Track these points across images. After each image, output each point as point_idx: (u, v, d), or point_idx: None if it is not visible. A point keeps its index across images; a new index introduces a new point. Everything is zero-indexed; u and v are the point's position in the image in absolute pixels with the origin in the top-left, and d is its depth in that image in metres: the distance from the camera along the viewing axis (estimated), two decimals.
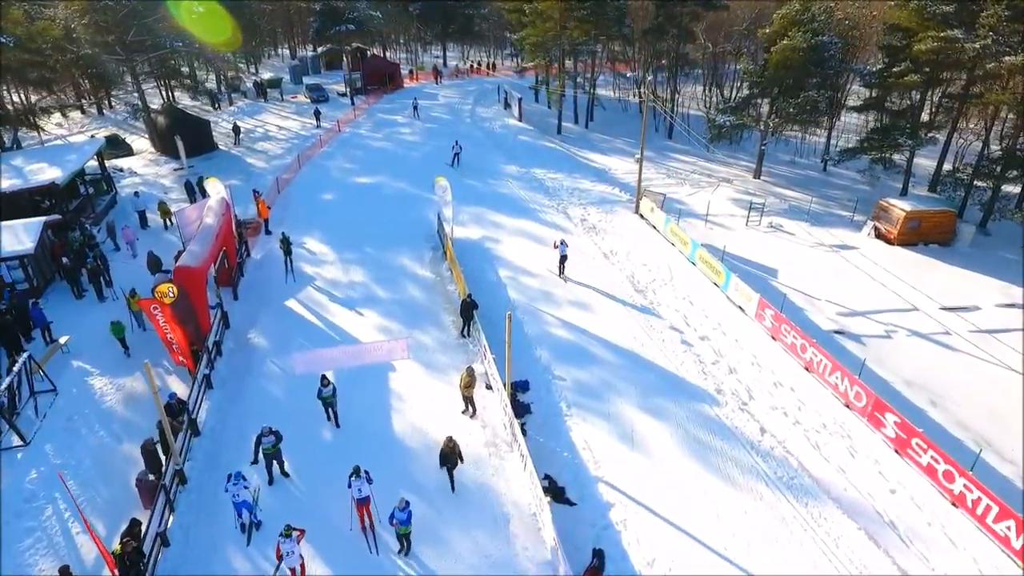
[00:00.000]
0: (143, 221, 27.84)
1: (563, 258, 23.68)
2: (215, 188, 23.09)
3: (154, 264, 22.33)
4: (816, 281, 25.24)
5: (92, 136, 41.38)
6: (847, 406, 17.54)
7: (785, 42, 32.02)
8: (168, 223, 27.23)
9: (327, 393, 15.66)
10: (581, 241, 27.09)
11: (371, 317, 21.18)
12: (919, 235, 29.14)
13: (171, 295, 16.64)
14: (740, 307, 22.33)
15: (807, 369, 19.07)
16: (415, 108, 48.09)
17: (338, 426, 16.09)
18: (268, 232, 27.42)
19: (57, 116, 46.52)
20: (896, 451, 15.95)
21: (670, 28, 42.92)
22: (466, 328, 20.11)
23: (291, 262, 23.86)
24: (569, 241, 26.67)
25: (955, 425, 17.54)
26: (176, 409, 15.40)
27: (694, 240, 25.52)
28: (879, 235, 29.81)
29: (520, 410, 16.91)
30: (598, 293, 22.91)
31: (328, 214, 29.51)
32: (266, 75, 61.88)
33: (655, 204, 29.33)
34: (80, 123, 49.23)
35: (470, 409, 16.92)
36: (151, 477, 13.70)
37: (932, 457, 14.88)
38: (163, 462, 14.19)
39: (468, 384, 16.59)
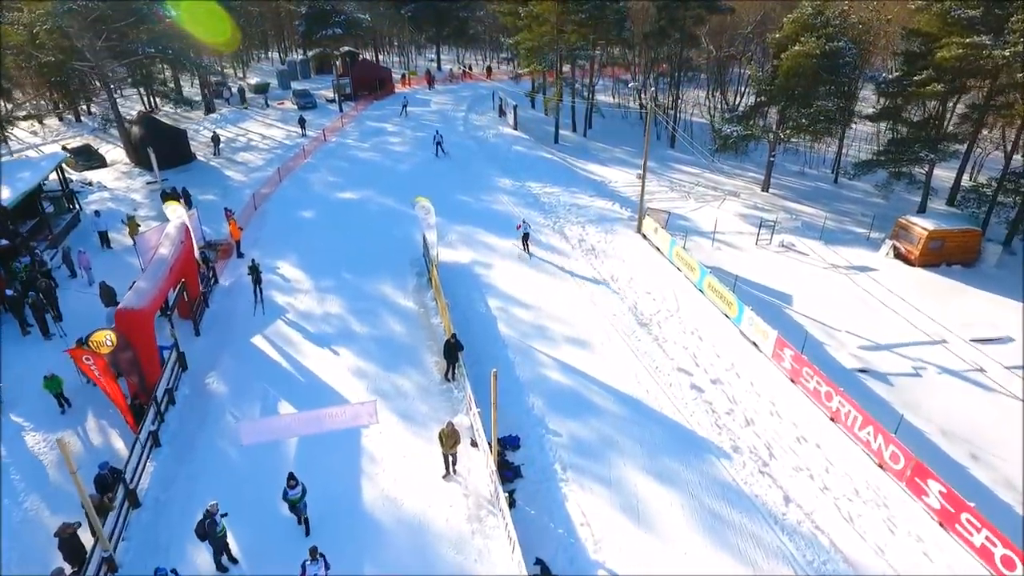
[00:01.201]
0: (105, 242, 25.70)
1: (525, 236, 25.59)
2: (175, 212, 20.97)
3: (108, 295, 20.19)
4: (834, 309, 23.23)
5: (63, 147, 39.29)
6: (881, 466, 15.45)
7: (797, 48, 29.95)
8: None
9: (295, 496, 12.92)
10: (579, 266, 24.95)
11: (345, 357, 19.06)
12: (942, 255, 27.21)
13: (108, 344, 14.52)
14: (755, 343, 20.23)
15: (833, 420, 16.97)
16: (404, 107, 47.82)
17: (308, 534, 13.27)
18: (240, 255, 25.30)
19: (32, 124, 44.31)
20: (941, 525, 13.86)
21: (673, 32, 40.83)
22: (450, 371, 18.00)
23: (261, 291, 21.75)
24: (565, 263, 24.78)
25: (1002, 485, 15.50)
26: (109, 481, 13.29)
27: (702, 266, 23.40)
28: (898, 255, 27.89)
29: (509, 472, 14.82)
30: (598, 327, 20.79)
31: (306, 234, 27.36)
32: (253, 80, 59.77)
33: (659, 223, 27.22)
34: (56, 131, 47.08)
35: (451, 468, 14.84)
36: (68, 573, 11.55)
37: (987, 538, 12.79)
38: (87, 550, 12.05)
39: (452, 444, 14.51)
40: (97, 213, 26.44)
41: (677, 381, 18.29)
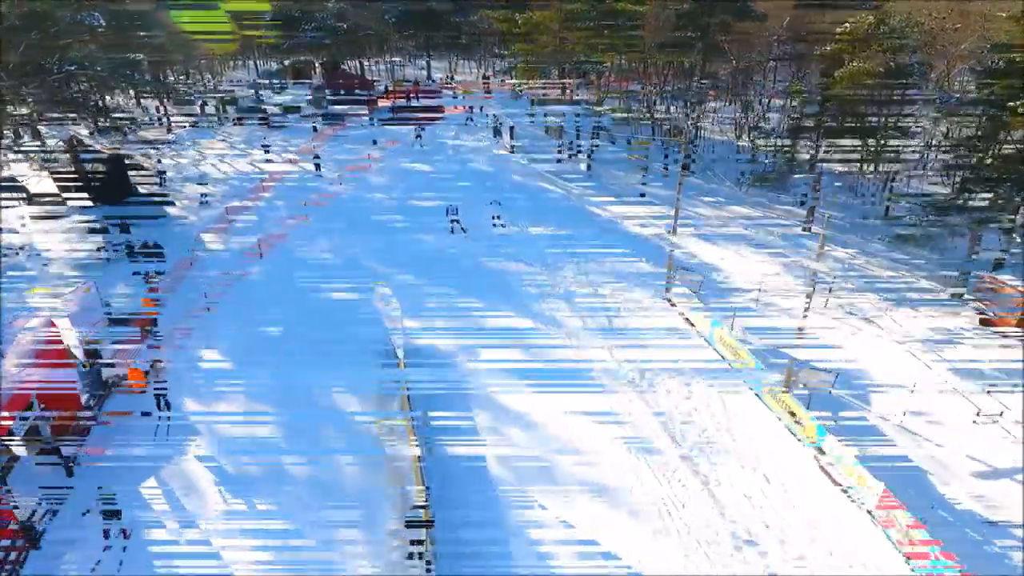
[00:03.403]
0: None
1: (454, 221, 26.88)
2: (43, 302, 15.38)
3: None
4: (926, 407, 17.69)
5: None
6: None
7: (855, 65, 24.38)
8: None
9: None
10: (593, 354, 19.19)
11: (256, 546, 13.25)
12: None
13: None
14: (842, 487, 14.60)
15: None
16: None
17: None
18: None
19: None
20: None
21: (696, 41, 35.21)
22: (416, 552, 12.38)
23: (166, 404, 16.12)
24: (575, 352, 19.23)
25: None
26: None
27: (758, 362, 17.72)
28: (983, 320, 22.54)
29: None
30: (624, 464, 15.07)
31: (246, 305, 21.56)
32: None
33: (693, 291, 21.59)
34: None
35: None
36: None
37: None
38: None
39: None
40: None
41: (743, 563, 12.62)
